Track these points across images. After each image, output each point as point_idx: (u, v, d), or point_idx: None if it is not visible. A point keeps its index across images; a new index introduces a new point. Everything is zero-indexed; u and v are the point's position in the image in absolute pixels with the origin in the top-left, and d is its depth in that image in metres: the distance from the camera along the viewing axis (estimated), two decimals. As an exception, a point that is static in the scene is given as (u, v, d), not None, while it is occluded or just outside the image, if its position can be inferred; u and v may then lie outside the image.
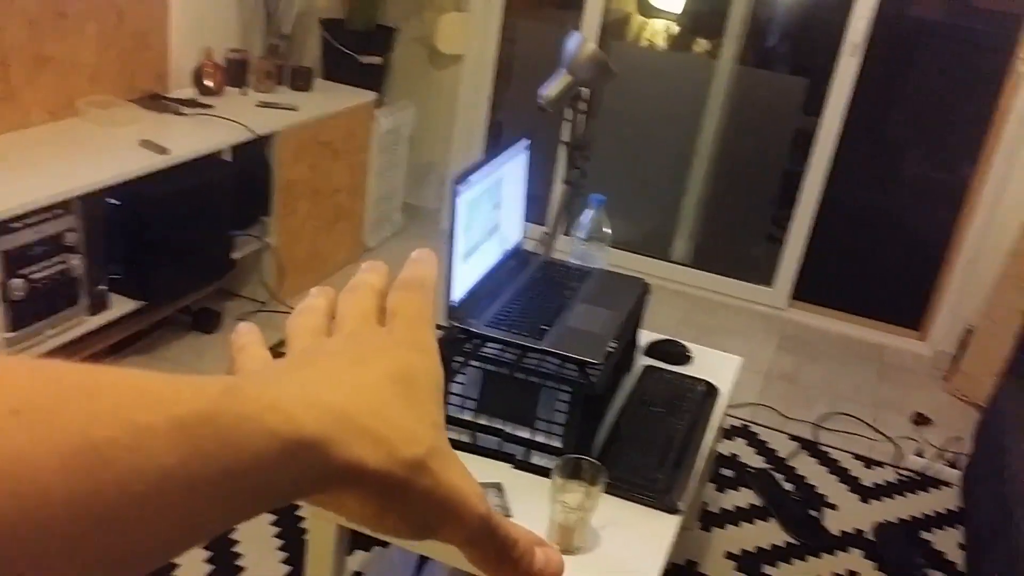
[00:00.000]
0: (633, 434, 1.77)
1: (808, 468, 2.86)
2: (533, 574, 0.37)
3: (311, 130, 3.23)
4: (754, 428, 3.02)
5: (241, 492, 0.28)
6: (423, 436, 0.33)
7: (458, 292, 1.66)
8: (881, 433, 3.10)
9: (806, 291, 3.86)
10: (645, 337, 2.19)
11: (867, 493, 2.78)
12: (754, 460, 2.85)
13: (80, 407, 0.24)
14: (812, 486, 2.77)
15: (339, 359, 0.34)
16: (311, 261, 3.47)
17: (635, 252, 3.97)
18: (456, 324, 1.65)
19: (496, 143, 4.11)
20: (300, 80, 3.44)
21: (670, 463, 1.69)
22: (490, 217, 1.93)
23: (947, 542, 2.60)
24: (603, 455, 1.65)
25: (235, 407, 0.28)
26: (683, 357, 2.16)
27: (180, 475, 0.26)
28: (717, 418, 1.97)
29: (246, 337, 0.40)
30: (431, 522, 0.34)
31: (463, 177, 1.69)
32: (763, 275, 3.90)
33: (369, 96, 3.57)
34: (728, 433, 2.95)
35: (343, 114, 3.42)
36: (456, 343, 1.64)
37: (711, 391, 2.01)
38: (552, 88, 2.33)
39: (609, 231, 2.24)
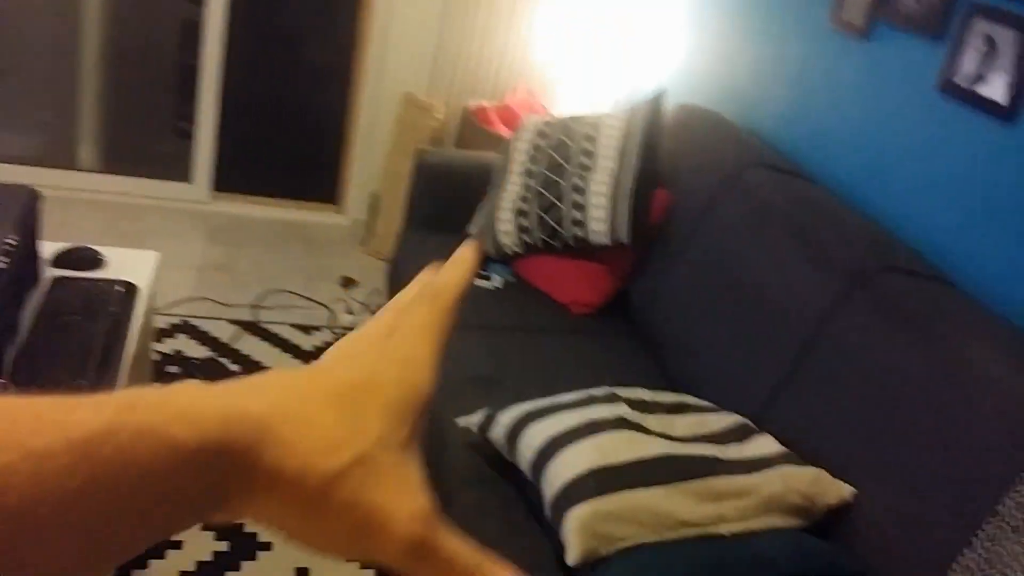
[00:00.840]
0: (47, 347, 1.70)
1: (253, 347, 3.01)
2: None
3: None
4: (194, 321, 3.06)
5: (156, 506, 0.27)
6: (351, 446, 0.31)
7: None
8: (315, 301, 3.38)
9: (226, 182, 3.93)
10: (52, 248, 2.08)
11: (310, 357, 3.03)
12: (199, 351, 2.92)
13: None
14: (258, 362, 2.94)
15: (303, 373, 0.34)
16: None
17: (34, 165, 3.63)
18: None
19: None
20: None
21: (92, 369, 1.67)
22: None
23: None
24: (15, 374, 1.57)
25: (135, 421, 0.27)
26: (95, 262, 2.10)
27: (85, 496, 0.25)
28: (140, 316, 1.97)
29: None
30: (355, 540, 0.32)
31: None
32: (181, 172, 3.87)
33: None
34: (168, 332, 2.96)
35: None
36: None
37: (130, 290, 1.99)
38: None
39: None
